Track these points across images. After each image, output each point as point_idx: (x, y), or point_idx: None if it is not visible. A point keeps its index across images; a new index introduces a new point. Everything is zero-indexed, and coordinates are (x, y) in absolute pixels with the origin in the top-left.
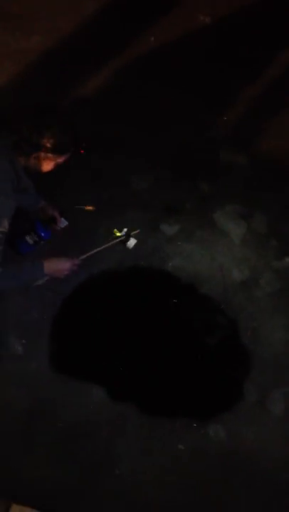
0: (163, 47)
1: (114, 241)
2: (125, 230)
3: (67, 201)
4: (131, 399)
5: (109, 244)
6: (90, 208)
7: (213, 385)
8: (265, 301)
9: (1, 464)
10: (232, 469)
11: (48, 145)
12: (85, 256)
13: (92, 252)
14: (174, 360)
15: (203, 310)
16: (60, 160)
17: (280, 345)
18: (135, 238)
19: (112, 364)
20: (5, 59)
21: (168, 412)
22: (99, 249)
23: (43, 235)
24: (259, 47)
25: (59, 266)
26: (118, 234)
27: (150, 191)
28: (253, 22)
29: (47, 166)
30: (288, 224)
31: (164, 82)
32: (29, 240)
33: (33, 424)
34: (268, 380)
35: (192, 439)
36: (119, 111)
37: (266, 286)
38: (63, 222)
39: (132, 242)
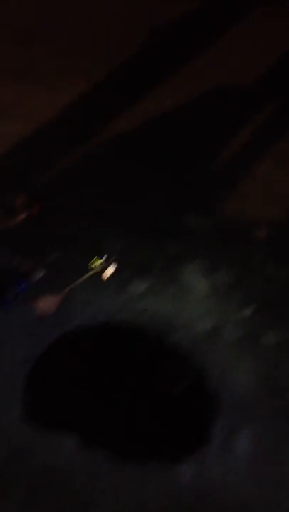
0: (131, 129)
1: (95, 270)
2: (106, 255)
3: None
4: (102, 446)
5: (93, 272)
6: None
7: (180, 430)
8: (228, 349)
9: None
10: (201, 509)
11: (11, 205)
12: (68, 288)
13: (78, 281)
14: (142, 408)
15: (170, 360)
16: (23, 217)
17: (243, 389)
18: (115, 264)
19: (84, 414)
20: None
21: (138, 457)
22: (83, 278)
23: (21, 289)
24: (218, 125)
25: (47, 305)
26: (99, 261)
27: (120, 253)
28: (215, 102)
29: (11, 222)
30: (249, 278)
31: (132, 158)
32: (8, 295)
33: (8, 473)
34: (233, 423)
35: (161, 480)
36: (89, 185)
37: (228, 336)
38: (40, 273)
39: (112, 269)
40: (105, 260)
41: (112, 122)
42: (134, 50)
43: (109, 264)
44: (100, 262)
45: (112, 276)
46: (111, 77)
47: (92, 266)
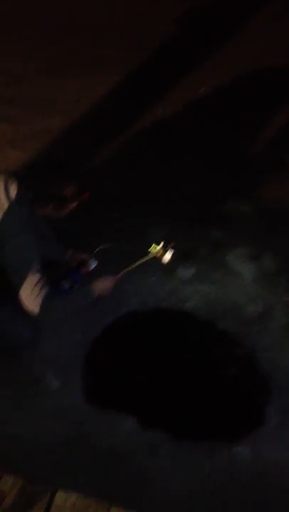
0: (169, 117)
1: (152, 254)
2: (162, 243)
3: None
4: (160, 426)
5: (148, 257)
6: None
7: (236, 410)
8: (278, 332)
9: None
10: (259, 488)
11: (61, 195)
12: (125, 271)
13: (133, 265)
14: (197, 390)
15: (221, 344)
16: (73, 206)
17: None
18: (172, 249)
19: (142, 395)
20: (32, 138)
21: (195, 437)
22: (137, 263)
23: (76, 279)
24: (256, 110)
25: (105, 285)
26: (156, 247)
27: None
28: (250, 88)
29: (62, 213)
30: None
31: (172, 146)
32: (65, 285)
33: (70, 452)
34: (287, 404)
35: (219, 460)
36: (132, 175)
37: (280, 318)
38: (93, 263)
39: (169, 254)
40: (163, 246)
41: (149, 110)
42: (167, 38)
43: (167, 250)
44: (157, 248)
45: (170, 261)
46: (145, 66)
47: (150, 251)
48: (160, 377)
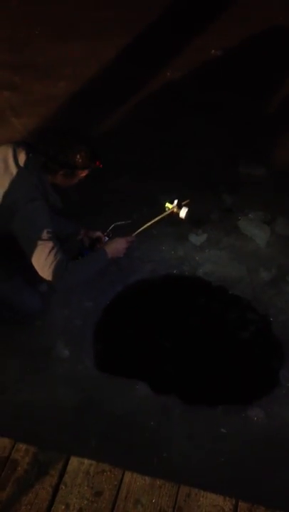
0: (179, 80)
1: (166, 213)
2: (176, 201)
3: (105, 221)
4: (173, 391)
5: (162, 215)
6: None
7: (250, 373)
8: None
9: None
10: (274, 448)
11: (72, 162)
12: (139, 230)
13: (147, 225)
14: (211, 354)
15: (235, 309)
16: (83, 174)
17: None
18: (186, 207)
19: (153, 360)
20: (37, 105)
21: (209, 400)
22: (152, 222)
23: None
24: (269, 72)
25: (118, 246)
26: (170, 206)
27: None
28: (262, 49)
29: (72, 181)
30: None
31: (182, 111)
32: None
33: (82, 419)
34: None
35: (233, 422)
36: (142, 140)
37: None
38: (104, 241)
39: (183, 212)
40: (177, 204)
41: (158, 73)
42: None
43: (182, 207)
44: (171, 206)
45: (187, 218)
46: (153, 29)
47: (167, 206)
48: (172, 343)
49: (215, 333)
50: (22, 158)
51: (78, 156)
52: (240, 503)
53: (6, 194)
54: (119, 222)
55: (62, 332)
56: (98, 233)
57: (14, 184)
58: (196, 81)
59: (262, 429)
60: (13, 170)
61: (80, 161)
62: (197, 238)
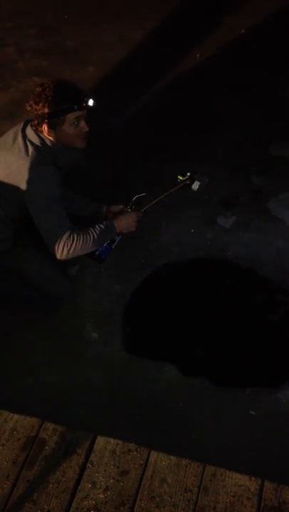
0: (208, 61)
1: (178, 186)
2: (188, 174)
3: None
4: (202, 373)
5: (174, 189)
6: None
7: (278, 356)
8: None
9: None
10: None
11: (46, 109)
12: (150, 204)
13: (158, 198)
14: (240, 336)
15: (264, 291)
16: (72, 121)
17: None
18: (199, 180)
19: (182, 342)
20: None
21: (238, 383)
22: (164, 195)
23: (117, 237)
24: None
25: (128, 220)
26: (182, 178)
27: (206, 189)
28: None
29: (67, 132)
30: None
31: (212, 91)
32: (105, 244)
33: (110, 399)
34: None
35: (262, 404)
36: (172, 121)
37: None
38: None
39: (196, 185)
40: (189, 176)
41: (186, 56)
42: None
43: (195, 179)
44: (183, 178)
45: (200, 190)
46: (181, 11)
47: (180, 178)
48: (201, 325)
49: (244, 315)
50: (31, 133)
51: (49, 101)
52: (266, 483)
53: (12, 165)
54: (140, 194)
55: (91, 315)
56: (121, 206)
57: (20, 153)
58: (226, 61)
59: None
60: (20, 139)
61: (52, 104)
62: (226, 220)
